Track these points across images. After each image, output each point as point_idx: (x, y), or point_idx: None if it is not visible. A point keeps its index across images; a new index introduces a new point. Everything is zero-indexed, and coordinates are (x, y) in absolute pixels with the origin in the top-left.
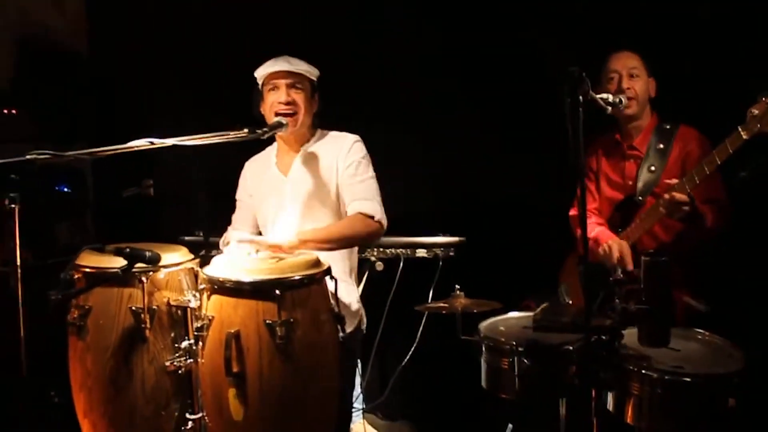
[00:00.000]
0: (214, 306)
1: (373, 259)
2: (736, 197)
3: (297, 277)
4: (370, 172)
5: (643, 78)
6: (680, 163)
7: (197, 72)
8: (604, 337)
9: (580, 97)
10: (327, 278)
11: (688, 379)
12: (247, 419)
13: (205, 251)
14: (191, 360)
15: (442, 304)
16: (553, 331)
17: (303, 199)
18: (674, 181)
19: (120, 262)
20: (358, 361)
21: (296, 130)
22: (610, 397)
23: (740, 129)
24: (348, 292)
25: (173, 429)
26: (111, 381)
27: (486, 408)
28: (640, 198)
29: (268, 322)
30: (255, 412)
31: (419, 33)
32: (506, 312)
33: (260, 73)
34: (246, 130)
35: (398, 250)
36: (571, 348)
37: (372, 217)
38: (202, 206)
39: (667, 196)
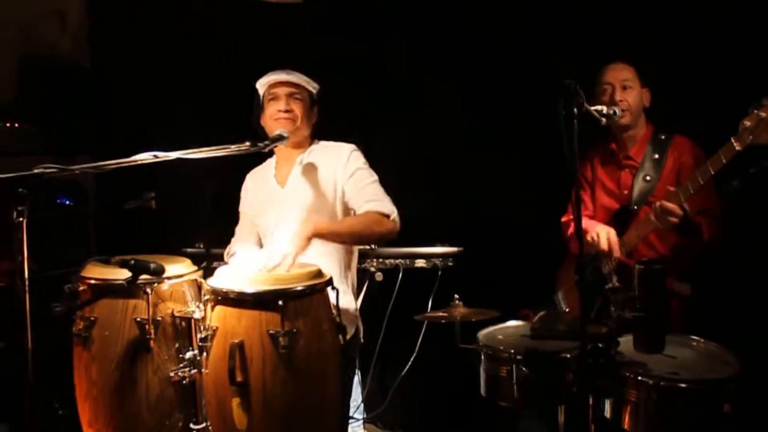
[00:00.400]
0: (218, 317)
1: (372, 269)
2: (729, 206)
3: (299, 288)
4: (374, 177)
5: (636, 89)
6: (675, 173)
7: (199, 85)
8: (600, 345)
9: (575, 110)
10: (328, 288)
11: (684, 385)
12: (251, 428)
13: (207, 263)
14: (195, 370)
15: (441, 314)
16: (550, 339)
17: (301, 210)
18: (672, 189)
19: (124, 273)
20: (357, 370)
21: (294, 139)
22: (607, 404)
23: (733, 140)
24: (347, 300)
25: None
26: (116, 391)
27: (485, 416)
28: (635, 207)
29: (271, 332)
30: (258, 421)
31: (418, 42)
32: (504, 321)
33: (261, 83)
34: (248, 143)
35: (397, 261)
36: (568, 356)
37: (388, 216)
38: (203, 218)
39: (657, 204)
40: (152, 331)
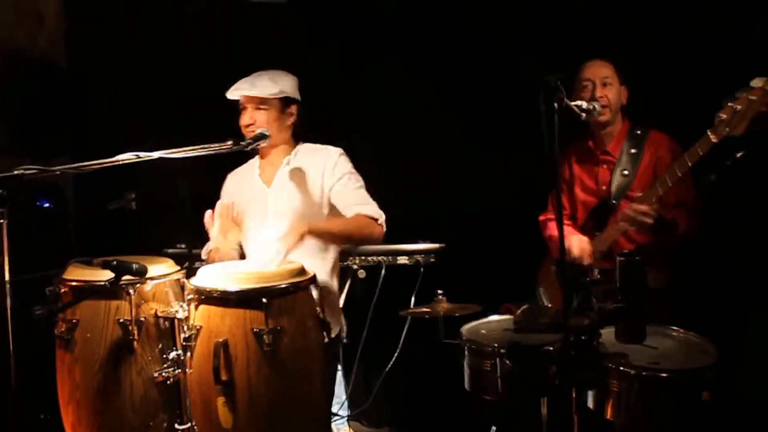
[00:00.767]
0: (201, 316)
1: (355, 267)
2: (706, 198)
3: (283, 285)
4: (361, 182)
5: (616, 86)
6: (652, 167)
7: (177, 84)
8: (582, 337)
9: (556, 105)
10: (312, 285)
11: (665, 375)
12: (237, 427)
13: (189, 263)
14: (179, 370)
15: (424, 309)
16: (533, 333)
17: (286, 211)
18: (640, 194)
19: (106, 275)
20: (340, 367)
21: (268, 146)
22: (590, 395)
23: (709, 133)
24: (333, 298)
25: None
26: (99, 393)
27: (469, 410)
28: (614, 202)
29: (255, 330)
30: (244, 419)
31: (400, 42)
32: (487, 316)
33: (228, 95)
34: (230, 142)
35: (380, 258)
36: (551, 348)
37: (376, 220)
38: (184, 219)
39: (630, 207)
40: (135, 332)
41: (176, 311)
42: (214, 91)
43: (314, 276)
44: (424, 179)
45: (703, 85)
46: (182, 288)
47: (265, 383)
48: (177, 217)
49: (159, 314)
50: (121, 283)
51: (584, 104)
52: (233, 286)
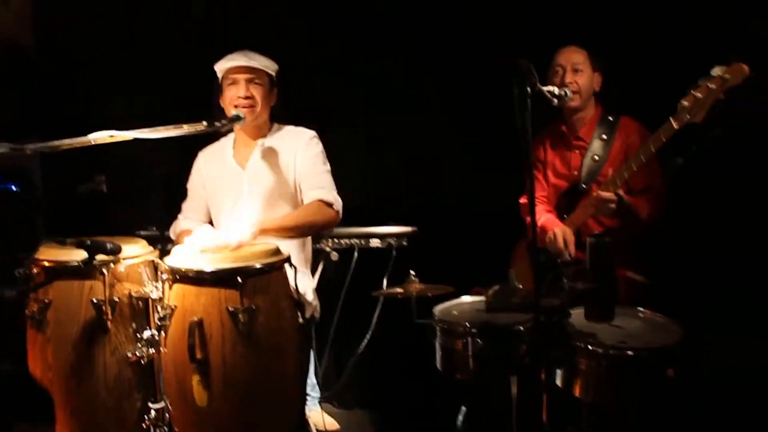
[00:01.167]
0: (176, 295)
1: (327, 249)
2: (674, 182)
3: (258, 265)
4: (327, 167)
5: (587, 73)
6: (623, 153)
7: (149, 64)
8: (552, 317)
9: (528, 89)
10: (286, 266)
11: (631, 353)
12: (211, 404)
13: (161, 245)
14: (153, 350)
15: (397, 290)
16: (504, 312)
17: (260, 192)
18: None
19: (79, 255)
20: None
21: (253, 122)
22: (559, 373)
23: (672, 119)
24: (305, 280)
25: (136, 419)
26: (73, 373)
27: (441, 391)
28: (584, 186)
29: (230, 309)
30: (219, 397)
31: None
32: (459, 296)
33: (219, 67)
34: (205, 123)
35: (352, 240)
36: (521, 328)
37: (331, 205)
38: (155, 201)
39: (594, 194)
40: (109, 311)
41: (150, 291)
42: (190, 71)
43: (289, 256)
44: (396, 163)
45: (675, 72)
46: (156, 269)
47: (239, 362)
48: (148, 200)
49: (133, 294)
50: (95, 263)
51: (555, 89)
52: (208, 266)
